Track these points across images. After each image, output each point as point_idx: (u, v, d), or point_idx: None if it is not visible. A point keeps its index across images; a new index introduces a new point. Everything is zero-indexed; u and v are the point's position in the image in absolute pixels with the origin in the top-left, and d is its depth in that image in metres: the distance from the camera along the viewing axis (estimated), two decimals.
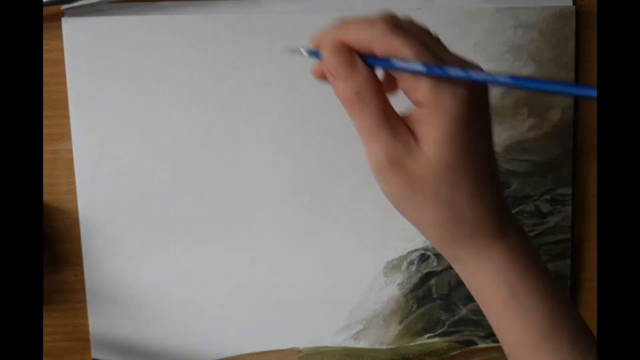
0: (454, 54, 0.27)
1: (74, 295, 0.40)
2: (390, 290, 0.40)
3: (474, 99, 0.25)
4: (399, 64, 0.25)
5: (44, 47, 0.38)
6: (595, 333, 0.39)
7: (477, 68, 0.26)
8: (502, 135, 0.39)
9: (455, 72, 0.25)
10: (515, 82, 0.25)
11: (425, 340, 0.40)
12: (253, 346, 0.40)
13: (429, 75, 0.25)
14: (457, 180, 0.26)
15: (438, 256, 0.39)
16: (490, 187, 0.27)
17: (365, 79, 0.26)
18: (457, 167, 0.26)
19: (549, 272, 0.28)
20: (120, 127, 0.38)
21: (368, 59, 0.27)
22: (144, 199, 0.39)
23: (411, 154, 0.26)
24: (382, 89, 0.27)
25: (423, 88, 0.25)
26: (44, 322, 0.40)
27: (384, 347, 0.40)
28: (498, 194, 0.27)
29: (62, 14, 0.37)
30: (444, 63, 0.25)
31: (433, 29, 0.37)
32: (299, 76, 0.38)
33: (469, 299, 0.41)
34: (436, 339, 0.40)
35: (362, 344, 0.40)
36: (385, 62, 0.26)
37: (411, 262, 0.40)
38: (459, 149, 0.26)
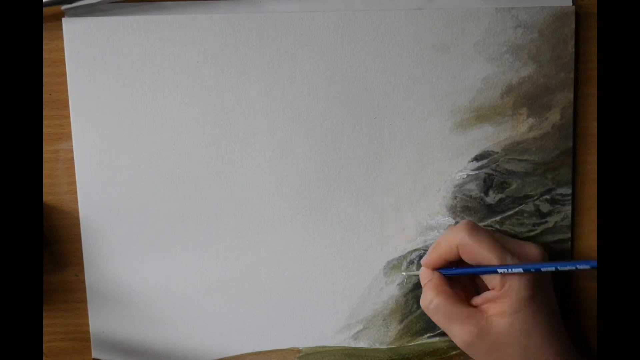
0: (513, 240, 0.36)
1: (74, 295, 0.40)
2: (390, 290, 0.40)
3: (536, 280, 0.34)
4: (486, 269, 0.35)
5: (44, 47, 0.38)
6: (594, 333, 0.39)
7: (535, 249, 0.36)
8: (502, 135, 0.39)
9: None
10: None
11: (425, 340, 0.40)
12: (253, 346, 0.40)
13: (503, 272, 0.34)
14: (526, 337, 0.34)
15: None
16: (555, 338, 0.34)
17: (433, 295, 0.36)
18: (524, 330, 0.34)
19: None
20: (120, 127, 0.38)
21: (456, 270, 0.37)
22: (144, 199, 0.39)
23: (483, 331, 0.34)
24: (447, 293, 0.36)
25: (496, 277, 0.34)
26: (44, 322, 0.40)
27: (383, 347, 0.41)
28: (564, 343, 0.35)
29: (62, 14, 0.37)
30: (511, 252, 0.34)
31: (433, 29, 0.38)
32: (299, 76, 0.38)
33: None
34: (436, 339, 0.40)
35: (362, 343, 0.40)
36: (485, 269, 0.35)
37: (411, 262, 0.40)
38: (524, 317, 0.34)
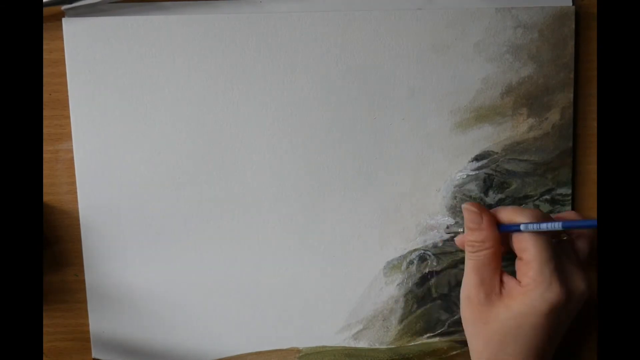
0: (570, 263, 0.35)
1: (74, 295, 0.40)
2: (390, 290, 0.40)
3: (560, 303, 0.32)
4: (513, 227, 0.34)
5: (44, 47, 0.38)
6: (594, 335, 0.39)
7: (581, 283, 0.34)
8: (502, 135, 0.39)
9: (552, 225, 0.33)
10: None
11: (425, 340, 0.40)
12: (253, 346, 0.40)
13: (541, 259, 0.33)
14: (507, 342, 0.33)
15: (438, 256, 0.40)
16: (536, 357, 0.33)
17: (482, 237, 0.34)
18: (512, 336, 0.33)
19: None
20: (120, 127, 0.38)
21: (503, 227, 0.35)
22: (144, 199, 0.39)
23: (488, 303, 0.34)
24: (492, 248, 0.34)
25: (532, 270, 0.33)
26: (44, 322, 0.40)
27: (383, 347, 0.41)
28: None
29: (62, 14, 0.37)
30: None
31: (433, 29, 0.38)
32: (300, 76, 0.38)
33: None
34: (436, 339, 0.40)
35: (362, 343, 0.40)
36: (514, 227, 0.34)
37: (411, 262, 0.40)
38: (525, 329, 0.32)
